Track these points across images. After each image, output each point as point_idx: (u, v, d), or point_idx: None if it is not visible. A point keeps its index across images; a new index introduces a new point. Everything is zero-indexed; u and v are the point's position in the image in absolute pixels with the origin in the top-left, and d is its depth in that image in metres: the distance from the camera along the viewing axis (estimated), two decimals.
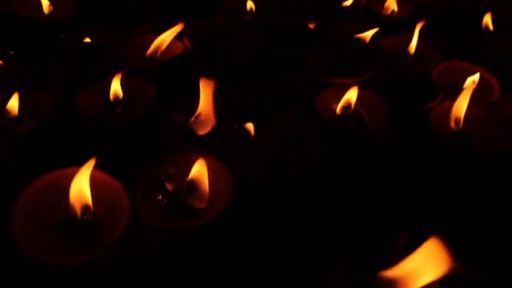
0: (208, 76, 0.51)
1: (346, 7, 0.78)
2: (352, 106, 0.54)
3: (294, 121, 0.50)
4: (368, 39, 0.69)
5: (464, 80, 0.61)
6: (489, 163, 0.52)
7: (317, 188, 0.46)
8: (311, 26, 0.76)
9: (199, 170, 0.43)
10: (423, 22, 0.66)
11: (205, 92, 0.50)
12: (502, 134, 0.53)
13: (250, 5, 0.74)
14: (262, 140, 0.47)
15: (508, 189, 0.51)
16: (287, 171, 0.45)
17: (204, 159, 0.44)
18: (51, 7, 0.70)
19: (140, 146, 0.50)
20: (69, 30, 0.65)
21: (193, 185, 0.44)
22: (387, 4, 0.77)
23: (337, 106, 0.55)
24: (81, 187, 0.42)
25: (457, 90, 0.61)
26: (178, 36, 0.66)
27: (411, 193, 0.48)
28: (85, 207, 0.42)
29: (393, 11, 0.76)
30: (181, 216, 0.44)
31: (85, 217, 0.42)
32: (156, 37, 0.64)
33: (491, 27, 0.72)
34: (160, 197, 0.45)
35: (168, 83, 0.56)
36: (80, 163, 0.43)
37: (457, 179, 0.51)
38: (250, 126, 0.47)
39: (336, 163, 0.48)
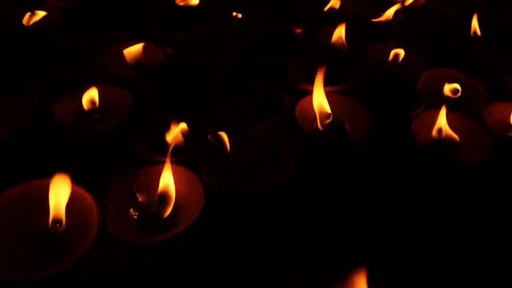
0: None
1: (333, 13, 0.77)
2: (331, 115, 0.53)
3: (269, 130, 0.49)
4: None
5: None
6: (472, 174, 0.51)
7: (289, 200, 0.45)
8: (298, 31, 0.75)
9: (166, 180, 0.42)
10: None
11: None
12: (485, 145, 0.52)
13: (235, 12, 0.73)
14: (236, 151, 0.46)
15: (491, 200, 0.50)
16: (259, 183, 0.44)
17: (172, 168, 0.43)
18: (34, 12, 0.69)
19: (114, 157, 0.49)
20: (51, 36, 0.65)
21: (164, 196, 0.43)
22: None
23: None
24: (58, 200, 0.41)
25: (443, 98, 0.60)
26: (161, 44, 0.65)
27: (389, 205, 0.47)
28: (58, 220, 0.42)
29: (380, 16, 0.75)
30: (152, 229, 0.43)
31: (56, 230, 0.41)
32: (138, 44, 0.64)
33: (478, 32, 0.70)
34: (132, 209, 0.44)
35: (147, 91, 0.55)
36: (53, 174, 0.43)
37: (439, 190, 0.50)
38: (223, 136, 0.46)
39: (311, 174, 0.47)
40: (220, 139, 0.46)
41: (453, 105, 0.58)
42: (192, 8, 0.74)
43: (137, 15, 0.71)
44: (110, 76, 0.59)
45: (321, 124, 0.53)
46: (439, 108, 0.55)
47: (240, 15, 0.73)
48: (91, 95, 0.52)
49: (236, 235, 0.43)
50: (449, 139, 0.53)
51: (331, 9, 0.78)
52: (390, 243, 0.45)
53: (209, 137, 0.47)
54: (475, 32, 0.71)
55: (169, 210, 0.42)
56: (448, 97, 0.59)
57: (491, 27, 0.71)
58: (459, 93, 0.58)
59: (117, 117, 0.52)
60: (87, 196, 0.43)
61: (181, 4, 0.76)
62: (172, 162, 0.45)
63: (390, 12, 0.75)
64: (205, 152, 0.46)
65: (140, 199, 0.44)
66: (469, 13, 0.73)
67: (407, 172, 0.50)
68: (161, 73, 0.60)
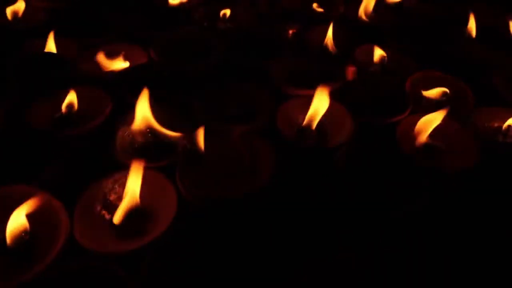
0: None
1: (323, 14, 0.76)
2: (315, 122, 0.51)
3: (249, 135, 0.47)
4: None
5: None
6: (458, 181, 0.49)
7: (266, 207, 0.44)
8: (290, 32, 0.73)
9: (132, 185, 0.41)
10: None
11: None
12: (472, 151, 0.50)
13: (223, 11, 0.72)
14: (213, 156, 0.45)
15: (477, 208, 0.48)
16: (235, 190, 0.43)
17: (145, 174, 0.42)
18: (18, 12, 0.68)
19: (88, 162, 0.48)
20: (32, 38, 0.64)
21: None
22: (365, 10, 0.74)
23: (299, 119, 0.52)
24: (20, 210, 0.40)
25: (431, 102, 0.58)
26: (144, 45, 0.64)
27: (370, 212, 0.46)
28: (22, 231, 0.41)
29: (371, 18, 0.74)
30: (124, 236, 0.42)
31: (21, 239, 0.40)
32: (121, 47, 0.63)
33: (473, 34, 0.68)
34: (104, 216, 0.43)
35: (126, 94, 0.54)
36: (25, 181, 0.42)
37: (423, 198, 0.48)
38: (199, 141, 0.44)
39: (290, 180, 0.46)
40: (196, 143, 0.45)
41: (440, 109, 0.56)
42: (178, 8, 0.72)
43: (122, 16, 0.70)
44: (91, 78, 0.58)
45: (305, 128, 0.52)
46: (427, 112, 0.54)
47: (227, 15, 0.72)
48: (70, 98, 0.51)
49: (209, 243, 0.42)
50: (435, 144, 0.51)
51: (320, 9, 0.76)
52: (370, 251, 0.44)
53: (184, 141, 0.45)
54: (469, 34, 0.69)
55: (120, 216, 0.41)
56: (435, 101, 0.57)
57: (485, 29, 0.69)
58: (446, 97, 0.57)
59: (95, 120, 0.51)
60: (56, 203, 0.42)
61: (172, 3, 0.75)
62: (146, 168, 0.44)
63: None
64: (180, 157, 0.45)
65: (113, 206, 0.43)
66: (463, 13, 0.72)
67: (390, 179, 0.48)
68: (142, 75, 0.59)
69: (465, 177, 0.49)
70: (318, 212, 0.45)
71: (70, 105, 0.51)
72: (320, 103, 0.50)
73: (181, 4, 0.73)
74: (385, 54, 0.63)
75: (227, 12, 0.71)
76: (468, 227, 0.47)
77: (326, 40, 0.67)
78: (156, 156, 0.46)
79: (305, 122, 0.51)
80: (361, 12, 0.73)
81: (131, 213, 0.42)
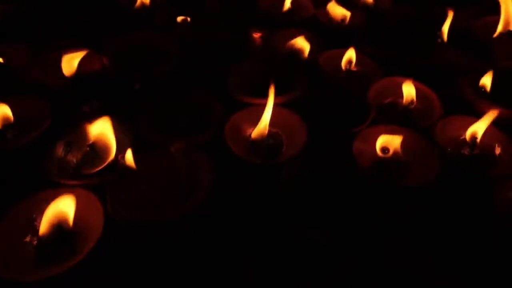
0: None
1: (291, 17, 0.72)
2: (265, 132, 0.48)
3: (191, 149, 0.44)
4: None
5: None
6: (419, 197, 0.46)
7: (203, 230, 0.40)
8: (252, 36, 0.70)
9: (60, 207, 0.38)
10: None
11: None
12: (435, 164, 0.46)
13: (184, 17, 0.68)
14: (148, 174, 0.42)
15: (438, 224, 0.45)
16: (168, 210, 0.39)
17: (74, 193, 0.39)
18: None
19: (17, 178, 0.45)
20: None
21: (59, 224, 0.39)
22: (335, 12, 0.70)
23: (251, 130, 0.49)
24: None
25: (395, 110, 0.55)
26: (98, 51, 0.61)
27: (322, 229, 0.42)
28: None
29: (342, 20, 0.70)
30: (49, 259, 0.39)
31: None
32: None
33: (445, 38, 0.65)
34: (28, 239, 0.40)
35: (71, 103, 0.51)
36: None
37: (382, 214, 0.45)
38: (130, 157, 0.41)
39: (233, 200, 0.43)
40: (128, 161, 0.41)
41: (404, 118, 0.53)
42: (138, 12, 0.69)
43: (78, 20, 0.67)
44: (39, 86, 0.55)
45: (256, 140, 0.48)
46: (388, 123, 0.50)
47: (189, 19, 0.68)
48: (3, 111, 0.48)
49: (138, 268, 0.39)
50: (395, 158, 0.48)
51: (290, 12, 0.73)
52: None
53: (119, 157, 0.42)
54: (441, 38, 0.66)
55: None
56: (400, 110, 0.54)
57: (456, 33, 0.66)
58: (413, 105, 0.53)
59: (33, 133, 0.48)
60: None
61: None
62: (76, 186, 0.41)
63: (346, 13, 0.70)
64: (112, 175, 0.42)
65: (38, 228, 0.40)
66: (436, 18, 0.68)
67: (345, 195, 0.45)
68: (92, 83, 0.56)
69: (425, 193, 0.45)
70: (259, 236, 0.41)
71: (4, 119, 0.48)
72: (268, 115, 0.46)
73: (142, 7, 0.70)
74: (352, 60, 0.59)
75: (187, 18, 0.68)
76: (425, 246, 0.43)
77: (292, 45, 0.63)
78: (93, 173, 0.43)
79: (254, 136, 0.48)
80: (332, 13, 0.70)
81: (58, 236, 0.39)
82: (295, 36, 0.64)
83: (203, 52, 0.63)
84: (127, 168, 0.41)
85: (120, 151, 0.43)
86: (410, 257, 0.43)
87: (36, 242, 0.39)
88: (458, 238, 0.44)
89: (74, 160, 0.45)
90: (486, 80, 0.54)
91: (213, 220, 0.42)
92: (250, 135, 0.49)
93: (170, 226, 0.40)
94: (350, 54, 0.59)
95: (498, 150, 0.49)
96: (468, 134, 0.48)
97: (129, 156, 0.40)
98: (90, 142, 0.45)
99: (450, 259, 0.43)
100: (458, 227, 0.44)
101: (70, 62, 0.57)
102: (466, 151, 0.49)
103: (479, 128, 0.47)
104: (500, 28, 0.64)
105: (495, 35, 0.64)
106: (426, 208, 0.46)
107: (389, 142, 0.48)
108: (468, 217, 0.45)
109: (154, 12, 0.69)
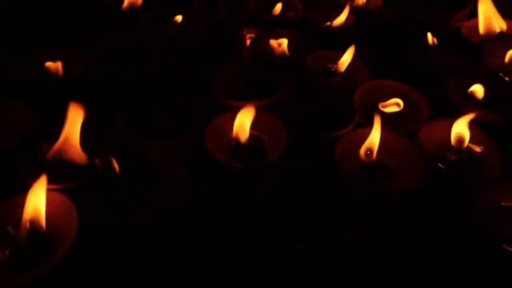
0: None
1: (282, 18, 0.72)
2: (246, 135, 0.47)
3: (170, 153, 0.43)
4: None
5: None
6: (404, 203, 0.45)
7: (179, 237, 0.40)
8: (241, 38, 0.69)
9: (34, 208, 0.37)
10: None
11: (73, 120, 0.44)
12: (421, 169, 0.45)
13: (175, 17, 0.68)
14: (124, 178, 0.41)
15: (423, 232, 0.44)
16: (142, 215, 0.39)
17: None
18: None
19: None
20: None
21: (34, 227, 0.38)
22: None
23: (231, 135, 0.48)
24: None
25: (383, 114, 0.54)
26: (82, 53, 0.60)
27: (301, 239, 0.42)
28: None
29: (331, 22, 0.69)
30: (22, 265, 0.38)
31: None
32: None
33: (435, 40, 0.64)
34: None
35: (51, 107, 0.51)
36: None
37: (365, 222, 0.44)
38: (110, 161, 0.40)
39: (209, 206, 0.42)
40: (107, 163, 0.41)
41: (389, 122, 0.52)
42: (126, 13, 0.69)
43: (62, 21, 0.66)
44: (20, 88, 0.55)
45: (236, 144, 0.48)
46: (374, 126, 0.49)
47: (179, 21, 0.68)
48: None
49: (112, 272, 0.38)
50: (380, 163, 0.47)
51: (279, 13, 0.72)
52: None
53: (96, 161, 0.42)
54: (432, 40, 0.65)
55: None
56: (385, 113, 0.53)
57: (450, 35, 0.65)
58: (399, 109, 0.53)
59: (14, 136, 0.48)
60: None
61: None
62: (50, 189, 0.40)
63: (342, 17, 0.69)
64: (87, 178, 0.41)
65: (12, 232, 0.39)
66: (428, 19, 0.67)
67: (326, 201, 0.44)
68: (74, 86, 0.55)
69: (409, 200, 0.44)
70: (236, 242, 0.41)
71: None
72: (243, 118, 0.46)
73: (131, 8, 0.70)
74: (340, 62, 0.58)
75: (179, 18, 0.67)
76: (408, 254, 0.42)
77: (280, 46, 0.63)
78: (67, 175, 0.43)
79: (234, 138, 0.47)
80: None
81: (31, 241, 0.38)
82: (283, 38, 0.64)
83: (189, 54, 0.62)
84: (104, 171, 0.40)
85: (96, 154, 0.43)
86: (391, 263, 0.42)
87: (9, 248, 0.39)
88: (443, 245, 0.43)
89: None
90: (476, 87, 0.53)
91: (189, 225, 0.41)
92: (232, 138, 0.49)
93: (145, 231, 0.39)
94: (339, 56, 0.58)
95: (483, 153, 0.48)
96: (453, 138, 0.47)
97: (106, 159, 0.40)
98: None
99: (435, 264, 0.42)
100: (442, 233, 0.44)
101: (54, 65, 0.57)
102: (452, 156, 0.48)
103: (460, 130, 0.46)
104: (481, 31, 0.63)
105: (478, 38, 0.63)
106: (410, 213, 0.45)
107: (373, 146, 0.47)
108: (453, 224, 0.44)
109: (142, 13, 0.68)
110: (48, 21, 0.66)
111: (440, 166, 0.47)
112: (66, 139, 0.43)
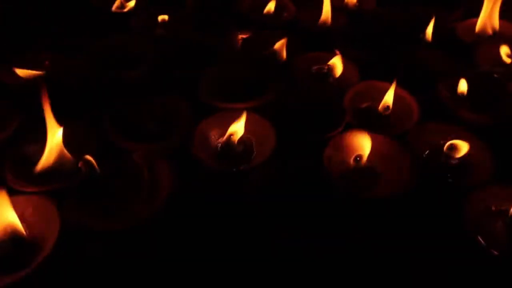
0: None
1: (273, 19, 0.71)
2: (236, 138, 0.47)
3: (151, 156, 0.43)
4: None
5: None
6: (392, 209, 0.44)
7: (162, 236, 0.39)
8: (235, 38, 0.69)
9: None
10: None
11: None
12: (410, 174, 0.45)
13: (162, 17, 0.67)
14: (106, 180, 0.41)
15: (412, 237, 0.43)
16: (125, 218, 0.38)
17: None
18: None
19: None
20: None
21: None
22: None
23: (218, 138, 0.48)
24: None
25: (372, 116, 0.54)
26: (71, 54, 0.60)
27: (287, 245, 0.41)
28: None
29: (324, 23, 0.69)
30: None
31: None
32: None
33: (429, 39, 0.63)
34: None
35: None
36: None
37: (353, 228, 0.43)
38: (92, 163, 0.40)
39: (193, 210, 0.41)
40: (90, 166, 0.40)
41: (379, 124, 0.52)
42: (114, 14, 0.68)
43: (50, 22, 0.66)
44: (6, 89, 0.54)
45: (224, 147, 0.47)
46: (363, 129, 0.49)
47: (166, 21, 0.67)
48: None
49: (93, 276, 0.38)
50: (368, 167, 0.46)
51: (271, 13, 0.71)
52: None
53: (79, 164, 0.41)
54: (426, 40, 0.64)
55: None
56: (376, 115, 0.52)
57: (443, 36, 0.64)
58: (389, 111, 0.52)
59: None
60: None
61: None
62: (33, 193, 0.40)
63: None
64: (72, 181, 0.40)
65: None
66: (422, 19, 0.66)
67: (313, 206, 0.44)
68: (62, 87, 0.55)
69: (397, 205, 0.44)
70: (222, 244, 0.40)
71: None
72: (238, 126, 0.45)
73: (120, 9, 0.69)
74: (333, 63, 0.58)
75: (166, 17, 0.67)
76: (396, 257, 0.42)
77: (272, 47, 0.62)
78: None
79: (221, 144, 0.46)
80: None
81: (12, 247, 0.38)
82: (274, 38, 0.63)
83: (177, 54, 0.62)
84: (86, 174, 0.39)
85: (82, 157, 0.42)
86: (380, 265, 0.41)
87: None
88: (431, 248, 0.43)
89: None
90: (463, 87, 0.53)
91: (174, 228, 0.41)
92: (219, 141, 0.48)
93: (128, 234, 0.39)
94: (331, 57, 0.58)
95: (474, 157, 0.47)
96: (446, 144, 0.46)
97: (90, 162, 0.39)
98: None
99: (423, 268, 0.41)
100: (430, 237, 0.43)
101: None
102: (443, 160, 0.47)
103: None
104: (477, 29, 0.62)
105: (473, 38, 0.62)
106: (397, 219, 0.44)
107: (362, 149, 0.46)
108: (441, 228, 0.43)
109: (131, 14, 0.68)
110: (37, 21, 0.65)
111: (430, 170, 0.46)
112: (51, 149, 0.43)
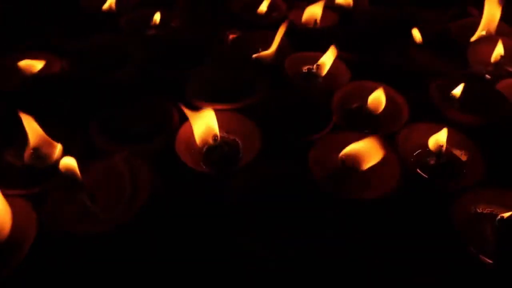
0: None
1: (265, 19, 0.70)
2: (218, 138, 0.46)
3: (132, 159, 0.42)
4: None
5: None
6: (376, 210, 0.43)
7: (143, 239, 0.39)
8: (225, 38, 0.68)
9: None
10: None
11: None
12: (396, 175, 0.44)
13: (155, 18, 0.67)
14: (87, 182, 0.40)
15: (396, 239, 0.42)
16: (104, 222, 0.38)
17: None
18: None
19: None
20: None
21: None
22: (309, 15, 0.68)
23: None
24: None
25: (362, 117, 0.53)
26: (59, 54, 0.59)
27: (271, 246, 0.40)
28: None
29: (315, 22, 0.68)
30: None
31: None
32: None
33: (420, 40, 0.62)
34: None
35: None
36: None
37: (337, 230, 0.42)
38: (71, 165, 0.39)
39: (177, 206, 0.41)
40: (70, 168, 0.39)
41: (368, 125, 0.51)
42: (104, 14, 0.68)
43: (39, 22, 0.65)
44: None
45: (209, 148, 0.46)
46: (352, 130, 0.48)
47: (157, 21, 0.67)
48: None
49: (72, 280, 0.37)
50: (353, 167, 0.45)
51: (262, 14, 0.71)
52: None
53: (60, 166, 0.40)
54: (416, 41, 0.63)
55: None
56: (364, 116, 0.51)
57: (435, 36, 0.63)
58: (379, 112, 0.51)
59: None
60: None
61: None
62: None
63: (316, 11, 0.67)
64: (52, 183, 0.40)
65: None
66: (413, 19, 0.65)
67: (298, 207, 0.43)
68: (49, 87, 0.54)
69: (382, 207, 0.43)
70: (202, 248, 0.39)
71: None
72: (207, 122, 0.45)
73: (109, 9, 0.69)
74: (321, 64, 0.57)
75: (157, 18, 0.66)
76: (383, 259, 0.41)
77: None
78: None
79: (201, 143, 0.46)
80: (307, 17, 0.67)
81: None
82: (264, 38, 0.62)
83: (167, 55, 0.61)
84: (68, 176, 0.39)
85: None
86: (366, 267, 0.40)
87: None
88: (417, 250, 0.42)
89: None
90: (457, 90, 0.52)
91: (155, 231, 0.40)
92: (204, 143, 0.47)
93: (107, 238, 0.38)
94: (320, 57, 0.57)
95: (465, 159, 0.46)
96: (431, 142, 0.45)
97: (71, 164, 0.39)
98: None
99: (410, 269, 0.40)
100: (417, 239, 0.42)
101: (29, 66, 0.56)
102: (432, 161, 0.46)
103: (438, 137, 0.45)
104: (479, 31, 0.61)
105: (473, 38, 0.61)
106: (384, 222, 0.43)
107: (349, 150, 0.46)
108: (428, 229, 0.42)
109: (120, 14, 0.67)
110: (26, 21, 0.65)
111: (418, 172, 0.45)
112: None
